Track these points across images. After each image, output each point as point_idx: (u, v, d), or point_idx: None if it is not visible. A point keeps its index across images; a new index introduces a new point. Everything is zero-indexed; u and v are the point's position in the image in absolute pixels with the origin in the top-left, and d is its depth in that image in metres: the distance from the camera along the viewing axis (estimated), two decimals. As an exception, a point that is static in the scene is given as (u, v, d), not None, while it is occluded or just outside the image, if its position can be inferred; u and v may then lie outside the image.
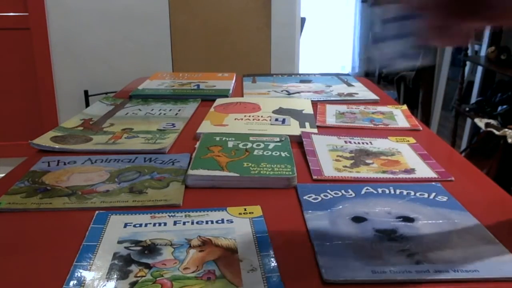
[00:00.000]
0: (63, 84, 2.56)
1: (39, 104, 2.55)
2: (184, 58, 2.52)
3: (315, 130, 0.80)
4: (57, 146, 0.71)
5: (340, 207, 0.52)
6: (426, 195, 0.55)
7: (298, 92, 1.09)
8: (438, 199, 0.54)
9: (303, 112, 0.90)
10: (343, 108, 0.96)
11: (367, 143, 0.74)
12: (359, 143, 0.74)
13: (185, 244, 0.44)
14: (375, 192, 0.56)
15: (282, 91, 1.11)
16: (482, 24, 0.44)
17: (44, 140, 0.73)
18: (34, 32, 2.47)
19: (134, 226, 0.47)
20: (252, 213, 0.50)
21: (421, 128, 0.83)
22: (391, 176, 0.61)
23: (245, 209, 0.51)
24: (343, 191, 0.56)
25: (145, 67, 2.32)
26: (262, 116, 0.87)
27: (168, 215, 0.50)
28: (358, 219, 0.49)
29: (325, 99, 1.04)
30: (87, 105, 2.45)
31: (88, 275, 0.39)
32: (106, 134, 0.78)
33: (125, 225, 0.47)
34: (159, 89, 1.10)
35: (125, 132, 0.79)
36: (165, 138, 0.74)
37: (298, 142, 0.74)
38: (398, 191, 0.56)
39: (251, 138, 0.72)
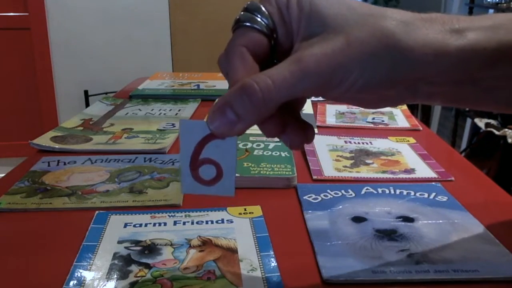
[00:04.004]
0: (63, 84, 2.56)
1: (39, 104, 2.55)
2: (184, 58, 2.52)
3: (315, 130, 0.79)
4: (57, 146, 0.71)
5: (340, 207, 0.52)
6: (426, 195, 0.55)
7: (298, 92, 1.09)
8: (438, 199, 0.54)
9: (303, 112, 0.90)
10: (343, 108, 0.96)
11: (367, 143, 0.74)
12: (359, 143, 0.74)
13: (185, 244, 0.44)
14: (375, 192, 0.56)
15: (282, 91, 1.11)
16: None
17: (44, 140, 0.73)
18: (34, 32, 2.47)
19: (134, 226, 0.47)
20: (252, 213, 0.50)
21: (421, 128, 0.83)
22: (391, 176, 0.61)
23: (245, 209, 0.51)
24: (343, 191, 0.56)
25: (145, 67, 2.32)
26: (262, 116, 0.86)
27: (168, 215, 0.50)
28: (358, 219, 0.49)
29: (325, 99, 1.04)
30: (87, 105, 2.45)
31: (88, 275, 0.39)
32: (106, 134, 0.78)
33: (125, 225, 0.47)
34: (159, 89, 1.10)
35: (125, 132, 0.79)
36: (165, 138, 0.74)
37: (298, 142, 0.74)
38: (398, 191, 0.56)
39: (251, 138, 0.72)
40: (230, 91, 0.30)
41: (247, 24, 0.32)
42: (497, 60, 0.32)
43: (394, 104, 0.36)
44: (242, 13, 0.33)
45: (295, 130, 0.34)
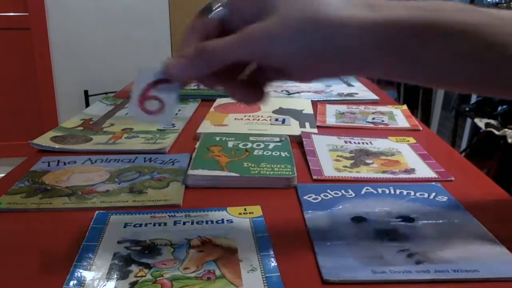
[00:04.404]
0: (63, 84, 2.56)
1: (39, 104, 2.55)
2: (184, 58, 2.52)
3: (315, 130, 0.80)
4: (57, 146, 0.71)
5: (340, 207, 0.52)
6: (426, 195, 0.55)
7: (298, 92, 1.09)
8: (438, 199, 0.54)
9: (303, 112, 0.90)
10: (343, 108, 0.96)
11: (367, 143, 0.74)
12: (359, 143, 0.74)
13: (185, 244, 0.44)
14: (375, 192, 0.56)
15: (282, 91, 1.11)
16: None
17: (44, 140, 0.73)
18: (34, 32, 2.47)
19: (134, 226, 0.47)
20: (252, 213, 0.50)
21: (421, 128, 0.83)
22: (391, 176, 0.61)
23: (245, 209, 0.51)
24: (343, 191, 0.56)
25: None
26: (262, 116, 0.87)
27: (168, 215, 0.50)
28: (358, 219, 0.49)
29: (325, 99, 1.04)
30: (87, 105, 2.45)
31: (88, 275, 0.39)
32: (106, 134, 0.78)
33: (125, 225, 0.47)
34: (159, 89, 1.10)
35: (125, 132, 0.79)
36: (165, 138, 0.74)
37: (298, 142, 0.74)
38: (398, 191, 0.56)
39: (251, 138, 0.72)
40: (188, 50, 0.39)
41: (206, 13, 0.41)
42: (425, 38, 0.36)
43: (329, 76, 0.43)
44: (207, 4, 0.41)
45: (243, 89, 0.43)
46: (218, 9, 0.41)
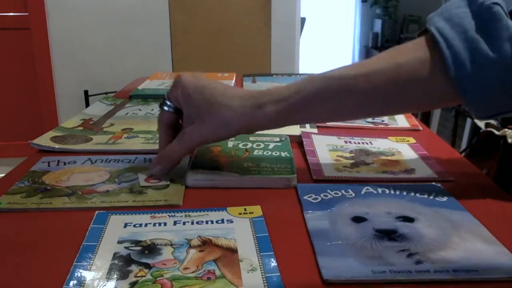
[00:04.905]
0: (63, 84, 2.56)
1: (39, 104, 2.55)
2: (184, 58, 2.52)
3: (315, 130, 0.79)
4: (57, 146, 0.71)
5: (340, 207, 0.52)
6: (426, 195, 0.55)
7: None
8: (438, 199, 0.54)
9: (303, 112, 0.90)
10: (343, 108, 0.96)
11: (367, 143, 0.74)
12: (359, 143, 0.74)
13: (185, 244, 0.44)
14: (375, 192, 0.56)
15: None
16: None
17: (44, 140, 0.73)
18: (34, 32, 2.47)
19: (134, 226, 0.47)
20: (252, 213, 0.50)
21: (421, 128, 0.83)
22: (391, 176, 0.61)
23: (245, 209, 0.51)
24: (343, 191, 0.56)
25: (145, 67, 2.32)
26: (262, 116, 0.86)
27: (168, 215, 0.50)
28: (358, 219, 0.49)
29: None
30: (87, 105, 2.45)
31: (88, 275, 0.39)
32: (106, 134, 0.78)
33: (125, 225, 0.48)
34: (159, 89, 1.10)
35: (125, 132, 0.79)
36: (165, 138, 0.74)
37: (298, 142, 0.74)
38: (398, 191, 0.56)
39: (251, 138, 0.72)
40: (157, 157, 0.60)
41: (163, 105, 0.60)
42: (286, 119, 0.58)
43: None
44: (163, 99, 0.61)
45: None
46: (169, 103, 0.60)
